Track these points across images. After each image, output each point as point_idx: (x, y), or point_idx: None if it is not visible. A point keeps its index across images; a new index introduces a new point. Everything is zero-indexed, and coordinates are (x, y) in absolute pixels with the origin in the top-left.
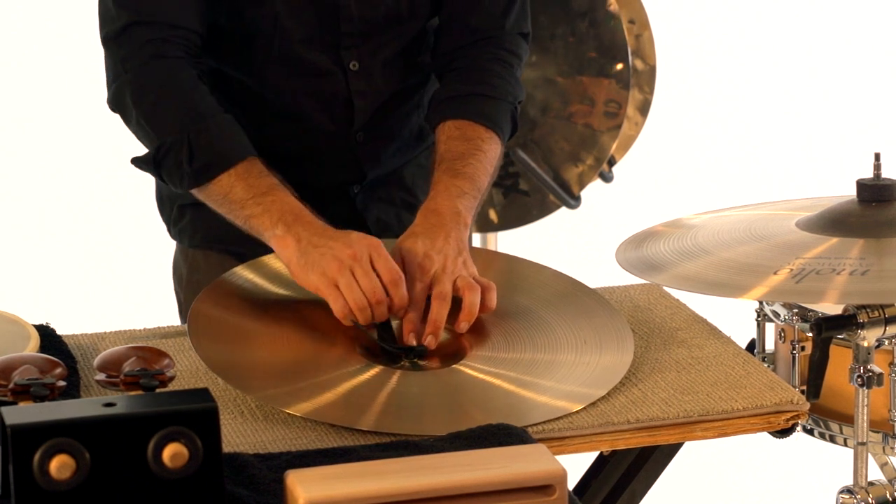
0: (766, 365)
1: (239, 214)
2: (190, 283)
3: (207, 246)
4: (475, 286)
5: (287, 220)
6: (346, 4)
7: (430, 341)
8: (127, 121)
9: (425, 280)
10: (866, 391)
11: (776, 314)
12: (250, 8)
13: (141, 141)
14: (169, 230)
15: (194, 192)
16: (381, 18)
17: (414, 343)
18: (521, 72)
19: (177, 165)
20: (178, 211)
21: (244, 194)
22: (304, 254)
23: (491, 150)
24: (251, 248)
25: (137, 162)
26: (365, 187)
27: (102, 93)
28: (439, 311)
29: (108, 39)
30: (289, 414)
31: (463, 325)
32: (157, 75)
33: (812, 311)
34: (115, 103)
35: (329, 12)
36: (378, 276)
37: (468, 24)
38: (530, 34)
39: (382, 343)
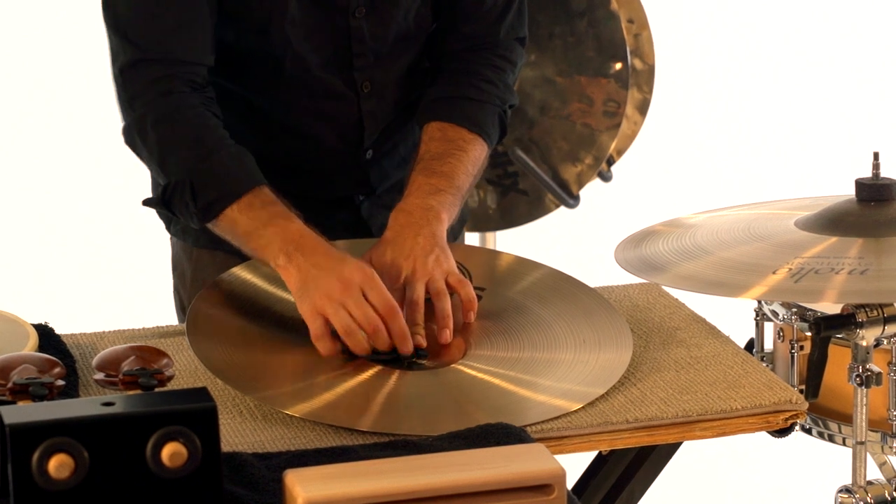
0: (764, 364)
1: (246, 247)
2: (195, 281)
3: (214, 246)
4: (444, 292)
5: (288, 250)
6: (357, 27)
7: (418, 341)
8: (140, 157)
9: (397, 288)
10: (865, 390)
11: (775, 313)
12: (261, 33)
13: (156, 178)
14: (168, 227)
15: (209, 227)
16: (392, 37)
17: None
18: (514, 77)
19: (184, 205)
20: None
21: (247, 227)
22: (302, 283)
23: (473, 151)
24: None
25: (149, 203)
26: (370, 196)
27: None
28: (413, 315)
29: (117, 76)
30: (288, 414)
31: (444, 335)
32: (163, 113)
33: (811, 310)
34: (127, 140)
35: (341, 35)
36: (373, 307)
37: (463, 30)
38: (527, 38)
39: (378, 360)
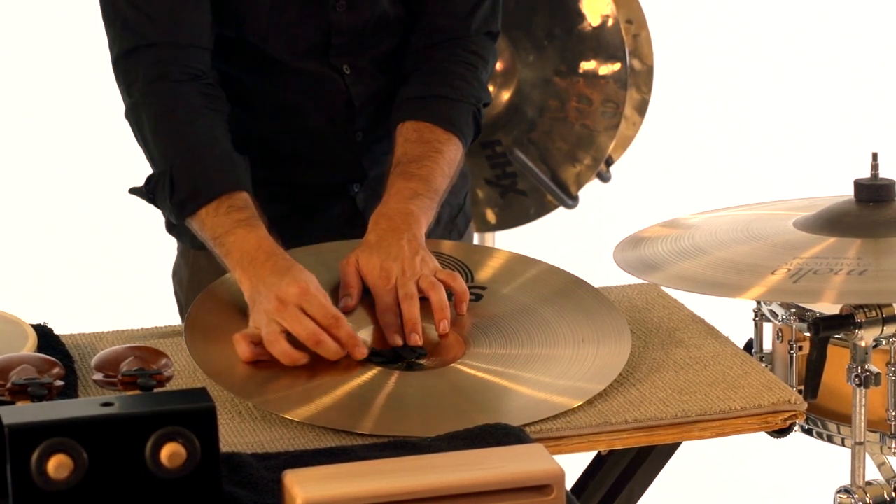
0: (763, 365)
1: (213, 252)
2: (192, 284)
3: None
4: (437, 284)
5: (243, 263)
6: (337, 19)
7: (414, 339)
8: (138, 142)
9: (389, 289)
10: (864, 391)
11: (774, 314)
12: (241, 23)
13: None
14: (168, 230)
15: (188, 224)
16: (372, 26)
17: (400, 343)
18: (487, 74)
19: (164, 198)
20: None
21: (212, 233)
22: (251, 297)
23: (449, 152)
24: None
25: (135, 192)
26: (365, 186)
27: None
28: (410, 310)
29: (116, 63)
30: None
31: (443, 325)
32: (158, 101)
33: (810, 310)
34: (129, 120)
35: (321, 28)
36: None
37: (433, 23)
38: (499, 33)
39: (377, 361)
